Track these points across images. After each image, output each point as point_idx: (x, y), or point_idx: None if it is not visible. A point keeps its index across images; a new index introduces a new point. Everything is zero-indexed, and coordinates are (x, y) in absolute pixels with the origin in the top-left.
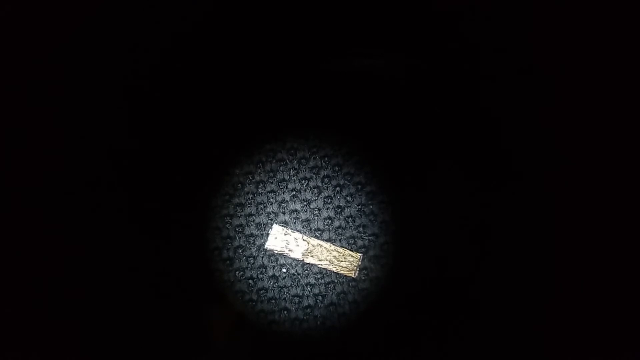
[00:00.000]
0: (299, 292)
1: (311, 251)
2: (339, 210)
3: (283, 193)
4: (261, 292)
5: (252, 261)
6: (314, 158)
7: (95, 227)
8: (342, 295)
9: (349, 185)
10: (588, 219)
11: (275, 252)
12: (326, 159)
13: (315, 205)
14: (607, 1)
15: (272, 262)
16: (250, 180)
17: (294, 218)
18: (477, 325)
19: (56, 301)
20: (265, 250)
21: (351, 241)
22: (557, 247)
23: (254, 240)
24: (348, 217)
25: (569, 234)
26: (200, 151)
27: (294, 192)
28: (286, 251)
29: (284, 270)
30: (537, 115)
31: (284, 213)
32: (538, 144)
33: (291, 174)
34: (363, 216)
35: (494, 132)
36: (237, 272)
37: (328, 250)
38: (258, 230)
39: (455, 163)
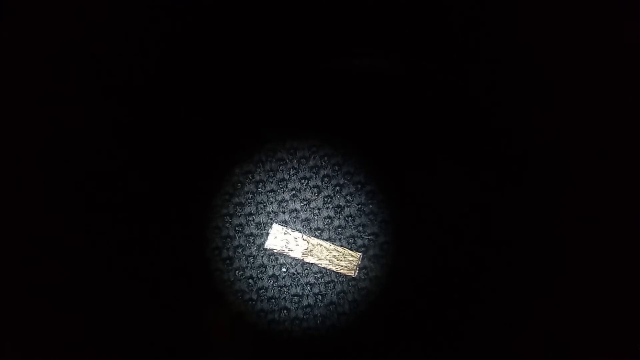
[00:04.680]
0: (298, 291)
1: (311, 250)
2: (339, 209)
3: (283, 192)
4: (261, 291)
5: (252, 260)
6: (314, 157)
7: (95, 227)
8: (342, 294)
9: (348, 184)
10: (588, 219)
11: (275, 251)
12: (326, 158)
13: (315, 205)
14: (606, 2)
15: (272, 262)
16: (250, 179)
17: (293, 217)
18: (477, 324)
19: (57, 301)
20: (265, 249)
21: (351, 240)
22: (557, 248)
23: (253, 239)
24: (348, 217)
25: (569, 234)
26: (200, 151)
27: (294, 192)
28: (286, 250)
29: (284, 269)
30: (539, 116)
31: (283, 212)
32: (539, 144)
33: (291, 173)
34: (363, 215)
35: (494, 132)
36: (237, 272)
37: (328, 250)
38: (258, 229)
39: (455, 163)
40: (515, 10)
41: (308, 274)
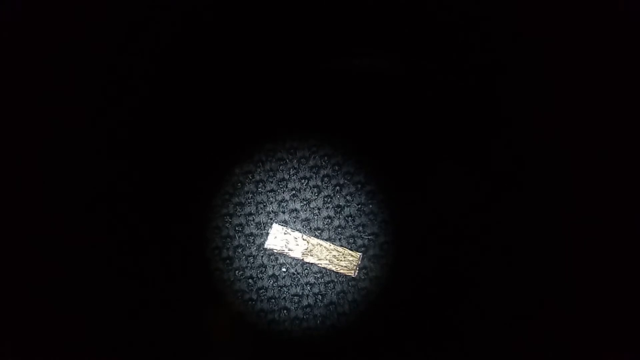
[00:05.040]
0: (298, 291)
1: (311, 250)
2: (339, 209)
3: (283, 192)
4: (261, 291)
5: (251, 260)
6: (314, 157)
7: (95, 227)
8: (341, 294)
9: (348, 184)
10: (589, 219)
11: (275, 251)
12: (326, 158)
13: (315, 205)
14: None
15: (271, 262)
16: (250, 179)
17: (293, 217)
18: (477, 324)
19: (57, 301)
20: (265, 249)
21: (351, 240)
22: (558, 248)
23: (253, 239)
24: (348, 217)
25: (569, 234)
26: (200, 150)
27: (294, 192)
28: (286, 250)
29: (284, 269)
30: (539, 116)
31: (283, 212)
32: (539, 144)
33: (291, 173)
34: (363, 215)
35: (494, 131)
36: (237, 272)
37: (328, 250)
38: (258, 229)
39: (455, 163)
40: (515, 10)
41: (308, 274)
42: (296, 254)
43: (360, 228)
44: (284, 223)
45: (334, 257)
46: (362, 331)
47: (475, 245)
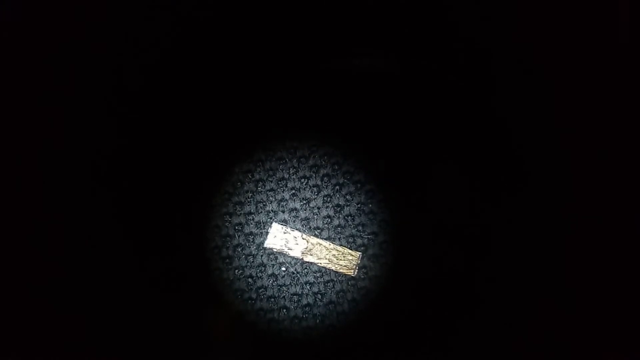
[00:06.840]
0: (298, 290)
1: (310, 250)
2: (339, 209)
3: (282, 192)
4: (260, 290)
5: (251, 260)
6: (314, 157)
7: (94, 227)
8: (341, 293)
9: (348, 184)
10: (588, 219)
11: (275, 250)
12: (326, 157)
13: (315, 204)
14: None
15: (271, 261)
16: (249, 178)
17: (293, 216)
18: (476, 323)
19: (57, 301)
20: (265, 248)
21: (350, 240)
22: (557, 248)
23: (253, 238)
24: (347, 216)
25: (569, 234)
26: (201, 150)
27: (294, 191)
28: (285, 250)
29: (283, 268)
30: (539, 116)
31: (283, 211)
32: (539, 144)
33: (291, 172)
34: (362, 215)
35: (494, 131)
36: (237, 271)
37: (327, 249)
38: (257, 228)
39: (454, 162)
40: (515, 10)
41: (307, 273)
42: (296, 253)
43: (360, 227)
44: (284, 222)
45: (334, 257)
46: (361, 330)
47: (474, 244)
